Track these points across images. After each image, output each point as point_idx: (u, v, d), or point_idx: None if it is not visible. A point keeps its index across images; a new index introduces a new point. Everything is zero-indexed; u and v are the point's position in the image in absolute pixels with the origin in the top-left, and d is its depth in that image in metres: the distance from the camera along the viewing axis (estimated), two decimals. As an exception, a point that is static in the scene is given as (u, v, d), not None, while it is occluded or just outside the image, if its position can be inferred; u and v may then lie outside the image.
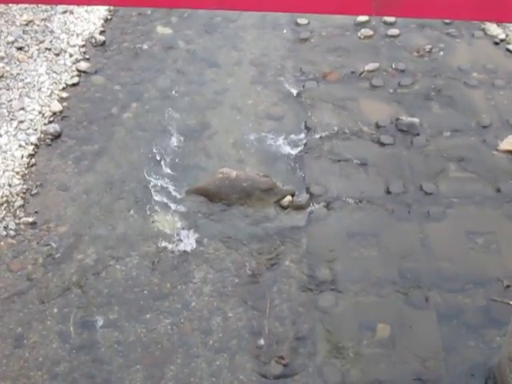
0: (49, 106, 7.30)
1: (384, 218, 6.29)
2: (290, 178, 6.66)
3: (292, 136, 7.08)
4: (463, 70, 7.84)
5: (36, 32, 8.15)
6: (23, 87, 7.43)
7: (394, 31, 8.41)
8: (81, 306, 5.62)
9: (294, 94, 7.60)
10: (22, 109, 7.20)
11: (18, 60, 7.73)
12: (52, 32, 8.20)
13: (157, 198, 6.44)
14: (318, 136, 7.06)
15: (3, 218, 6.21)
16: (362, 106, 7.41)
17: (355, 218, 6.28)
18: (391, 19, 8.47)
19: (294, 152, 6.91)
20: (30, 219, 6.22)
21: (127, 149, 6.97)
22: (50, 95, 7.43)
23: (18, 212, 6.28)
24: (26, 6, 8.27)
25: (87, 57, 8.04)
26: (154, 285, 5.78)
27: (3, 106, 7.21)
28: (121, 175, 6.70)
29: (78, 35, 8.25)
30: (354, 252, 6.00)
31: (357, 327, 5.47)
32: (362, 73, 7.82)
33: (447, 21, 8.41)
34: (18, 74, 7.56)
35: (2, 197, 6.37)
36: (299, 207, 6.37)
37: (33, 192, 6.50)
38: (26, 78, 7.53)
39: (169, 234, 6.15)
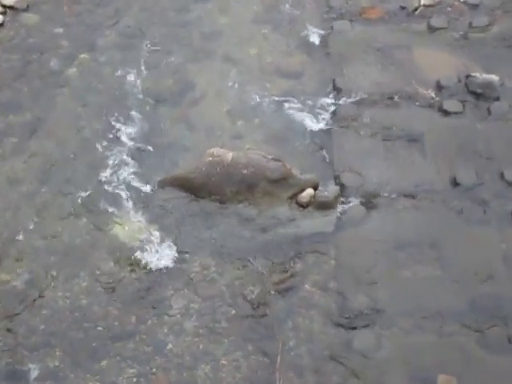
0: (-41, 58, 7.31)
1: (448, 220, 6.26)
2: (311, 163, 6.65)
3: (315, 101, 7.07)
4: None
5: None
6: None
7: None
8: (6, 349, 5.58)
9: (318, 40, 7.61)
10: None
11: None
12: None
13: (116, 192, 6.43)
14: (352, 101, 7.05)
15: None
16: (416, 57, 7.38)
17: (406, 221, 6.25)
18: None
19: (317, 125, 6.90)
20: None
21: (73, 121, 6.96)
22: (-39, 42, 7.43)
23: None
24: None
25: (16, -15, 8.03)
26: (112, 318, 5.75)
27: None
28: (64, 159, 6.68)
29: (1, -48, 8.24)
30: (405, 270, 5.97)
31: (408, 380, 5.42)
32: (416, 8, 7.81)
33: None
34: None
35: None
36: (325, 205, 6.34)
37: None
38: None
39: (134, 244, 6.13)
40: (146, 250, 6.11)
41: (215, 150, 6.48)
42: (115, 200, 6.40)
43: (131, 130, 6.87)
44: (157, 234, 6.20)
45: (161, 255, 6.07)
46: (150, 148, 6.76)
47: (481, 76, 7.16)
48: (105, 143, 6.76)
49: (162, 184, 6.50)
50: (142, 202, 6.40)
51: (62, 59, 7.42)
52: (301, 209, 6.36)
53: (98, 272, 6.02)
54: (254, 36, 7.65)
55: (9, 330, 5.69)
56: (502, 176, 6.51)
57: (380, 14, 7.77)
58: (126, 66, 7.37)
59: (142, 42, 7.60)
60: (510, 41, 7.53)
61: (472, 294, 5.82)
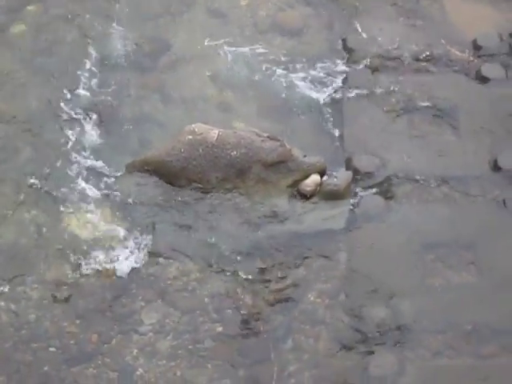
0: None
1: (488, 214, 6.26)
2: (317, 142, 6.68)
3: (321, 65, 7.10)
4: None
5: None
6: None
7: None
8: None
9: (325, -13, 7.64)
10: None
11: None
12: None
13: (73, 178, 6.42)
14: (367, 65, 7.09)
15: None
16: (448, 9, 7.41)
17: (435, 216, 6.26)
18: None
19: (324, 95, 6.92)
20: None
21: (18, 89, 6.96)
22: None
23: None
24: None
25: None
26: (68, 337, 5.73)
27: None
28: (6, 138, 6.69)
29: None
30: (434, 277, 5.98)
31: (438, 414, 5.47)
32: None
33: None
34: None
35: None
36: (334, 195, 6.34)
37: None
38: None
39: (96, 244, 6.12)
40: (111, 250, 6.10)
41: (197, 127, 6.45)
42: (72, 188, 6.39)
43: (91, 101, 6.87)
44: (124, 231, 6.20)
45: (129, 258, 6.06)
46: (115, 124, 6.77)
47: (528, 34, 7.21)
48: (58, 118, 6.77)
49: (131, 168, 6.49)
50: (106, 190, 6.39)
51: (3, 12, 7.39)
52: (304, 200, 6.37)
53: (50, 278, 6.00)
54: (244, -18, 7.64)
55: None
56: (554, 159, 6.54)
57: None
58: (84, 21, 7.36)
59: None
60: None
61: (517, 307, 5.85)
